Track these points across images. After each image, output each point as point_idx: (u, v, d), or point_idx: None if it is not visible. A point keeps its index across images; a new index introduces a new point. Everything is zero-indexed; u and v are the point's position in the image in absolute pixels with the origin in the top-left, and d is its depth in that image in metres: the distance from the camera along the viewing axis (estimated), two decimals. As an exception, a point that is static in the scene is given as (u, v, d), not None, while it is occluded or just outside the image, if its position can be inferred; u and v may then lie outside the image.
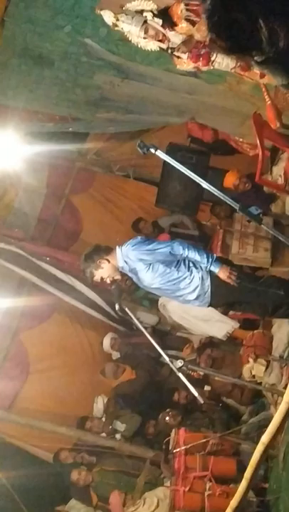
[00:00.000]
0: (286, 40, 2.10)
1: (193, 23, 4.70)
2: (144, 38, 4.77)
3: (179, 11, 4.73)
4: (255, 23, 2.08)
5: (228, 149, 8.41)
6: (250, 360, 6.73)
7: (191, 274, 5.23)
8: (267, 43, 2.12)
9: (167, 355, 5.03)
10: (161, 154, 4.64)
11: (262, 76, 5.06)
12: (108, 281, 5.26)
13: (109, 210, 9.39)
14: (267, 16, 2.08)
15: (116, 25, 4.86)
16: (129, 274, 5.37)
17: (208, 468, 5.98)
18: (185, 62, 4.96)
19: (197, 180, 4.58)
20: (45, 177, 8.92)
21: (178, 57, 5.00)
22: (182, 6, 4.69)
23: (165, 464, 6.47)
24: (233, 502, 3.45)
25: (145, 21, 4.73)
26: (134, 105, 6.88)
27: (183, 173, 4.66)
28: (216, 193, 4.54)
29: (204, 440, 6.19)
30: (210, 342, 7.69)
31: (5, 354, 8.15)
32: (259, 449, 3.06)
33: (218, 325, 7.62)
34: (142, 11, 4.80)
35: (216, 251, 7.21)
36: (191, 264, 5.27)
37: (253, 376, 6.68)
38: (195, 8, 4.58)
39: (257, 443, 3.08)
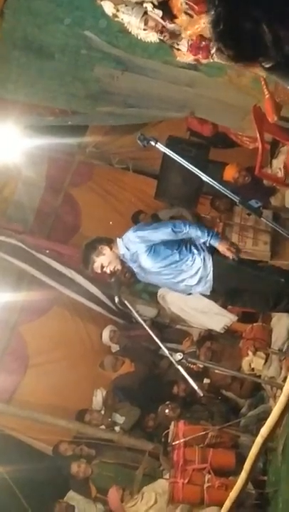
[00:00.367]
0: None
1: (191, 17, 4.68)
2: (144, 29, 4.75)
3: (179, 3, 4.72)
4: (259, 29, 2.08)
5: (228, 142, 8.40)
6: (250, 353, 6.73)
7: (192, 256, 5.22)
8: (272, 48, 2.12)
9: (166, 347, 5.04)
10: (162, 147, 4.64)
11: (261, 69, 5.04)
12: (108, 271, 5.23)
13: (109, 202, 9.38)
14: (270, 20, 2.08)
15: (116, 16, 4.84)
16: (130, 264, 5.33)
17: (207, 461, 6.00)
18: (185, 54, 4.95)
19: (197, 173, 4.58)
20: (44, 170, 8.90)
21: (178, 49, 4.99)
22: (182, -2, 4.67)
23: (164, 457, 6.50)
24: (233, 494, 3.48)
25: (145, 12, 4.71)
26: (133, 99, 6.86)
27: (182, 166, 4.66)
28: (216, 186, 4.55)
29: (203, 433, 6.20)
30: (209, 335, 7.70)
31: (4, 347, 8.15)
32: (258, 441, 3.08)
33: (217, 318, 7.63)
34: (142, 2, 4.79)
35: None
36: (192, 248, 5.26)
37: (252, 369, 6.69)
38: (193, 3, 4.56)
39: (256, 436, 3.10)
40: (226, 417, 7.04)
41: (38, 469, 7.46)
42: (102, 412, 7.94)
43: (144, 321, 5.79)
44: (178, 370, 4.86)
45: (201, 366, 7.07)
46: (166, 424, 6.70)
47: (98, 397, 8.05)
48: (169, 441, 6.33)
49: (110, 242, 5.27)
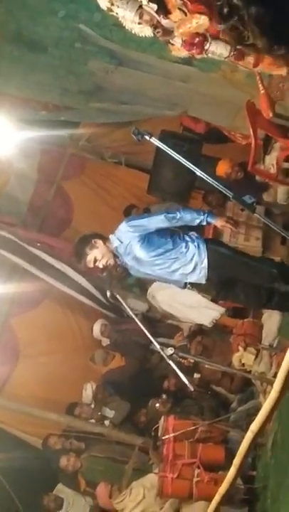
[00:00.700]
0: None
1: (185, 14, 4.66)
2: (139, 23, 4.72)
3: (174, -1, 4.69)
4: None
5: (221, 138, 8.39)
6: (240, 348, 6.74)
7: (186, 244, 5.21)
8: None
9: (157, 342, 5.04)
10: (156, 141, 4.63)
11: (255, 65, 5.03)
12: (101, 265, 5.19)
13: (101, 196, 9.36)
14: None
15: (110, 10, 4.80)
16: (124, 257, 5.29)
17: (196, 456, 6.02)
18: (179, 49, 4.93)
19: (191, 168, 4.58)
20: (36, 163, 8.88)
21: (172, 44, 4.97)
22: (177, -6, 4.64)
23: (154, 451, 6.51)
24: (222, 489, 3.49)
25: (140, 6, 4.68)
26: (126, 96, 6.84)
27: (175, 160, 4.65)
28: (209, 181, 4.54)
29: (193, 427, 6.22)
30: (200, 329, 7.70)
31: (-5, 340, 8.16)
32: (248, 436, 3.09)
33: (205, 311, 7.64)
34: (137, -4, 4.75)
35: (207, 239, 7.22)
36: (185, 236, 5.26)
37: (243, 364, 6.70)
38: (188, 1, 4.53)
39: (245, 431, 3.11)
40: (215, 412, 7.06)
41: (27, 462, 7.48)
42: (92, 405, 7.95)
43: (136, 315, 5.78)
44: (168, 364, 4.86)
45: (191, 361, 7.07)
46: (157, 418, 6.71)
47: (88, 391, 8.06)
48: (158, 435, 6.35)
49: (104, 237, 5.25)
